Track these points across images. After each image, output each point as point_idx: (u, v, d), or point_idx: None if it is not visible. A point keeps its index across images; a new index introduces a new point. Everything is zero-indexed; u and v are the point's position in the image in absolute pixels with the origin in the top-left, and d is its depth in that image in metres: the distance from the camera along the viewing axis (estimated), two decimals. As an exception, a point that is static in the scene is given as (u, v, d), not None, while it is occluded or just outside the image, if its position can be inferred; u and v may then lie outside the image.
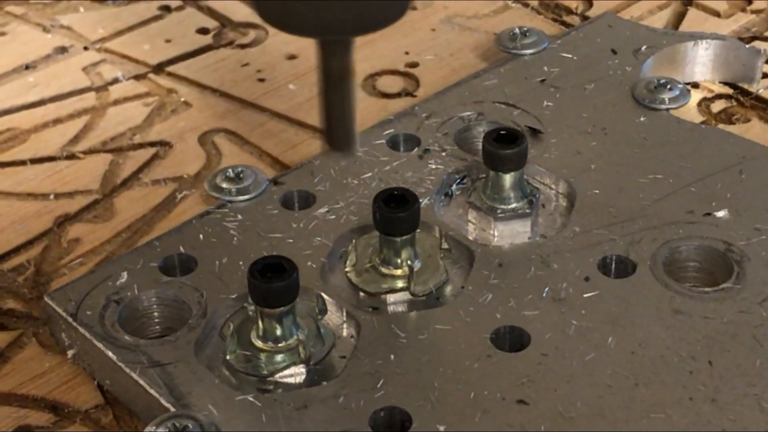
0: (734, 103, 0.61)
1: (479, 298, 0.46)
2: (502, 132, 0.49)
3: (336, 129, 0.41)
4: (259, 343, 0.44)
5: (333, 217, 0.50)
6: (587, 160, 0.53)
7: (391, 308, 0.47)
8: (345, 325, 0.46)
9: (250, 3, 0.37)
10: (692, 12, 0.68)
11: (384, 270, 0.47)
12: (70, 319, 0.46)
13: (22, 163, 0.57)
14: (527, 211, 0.50)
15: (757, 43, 0.64)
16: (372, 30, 0.37)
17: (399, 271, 0.47)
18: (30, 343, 0.48)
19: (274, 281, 0.42)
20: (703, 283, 0.48)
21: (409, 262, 0.47)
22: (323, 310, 0.45)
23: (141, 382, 0.43)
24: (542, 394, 0.42)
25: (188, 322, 0.45)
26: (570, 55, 0.60)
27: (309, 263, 0.48)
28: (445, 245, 0.48)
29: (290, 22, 0.36)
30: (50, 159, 0.57)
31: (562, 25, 0.67)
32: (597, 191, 0.51)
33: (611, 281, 0.47)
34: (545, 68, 0.59)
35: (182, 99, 0.61)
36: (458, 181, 0.52)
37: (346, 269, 0.48)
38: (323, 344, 0.44)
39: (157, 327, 0.47)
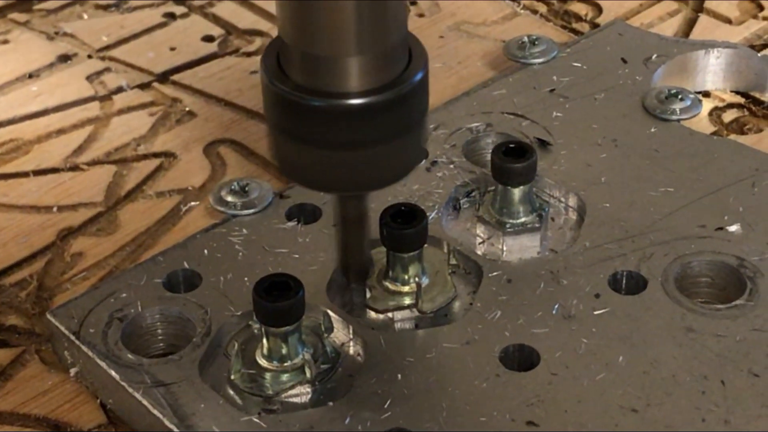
0: (746, 113, 0.60)
1: (488, 315, 0.45)
2: (511, 145, 0.49)
3: (351, 265, 0.44)
4: (264, 362, 0.43)
5: (339, 231, 0.49)
6: (597, 172, 0.52)
7: (398, 326, 0.46)
8: (352, 343, 0.45)
9: (270, 154, 0.41)
10: (703, 19, 0.67)
11: (391, 286, 0.46)
12: (72, 337, 0.45)
13: (25, 174, 0.56)
14: (536, 225, 0.49)
15: (769, 51, 0.63)
16: (385, 186, 0.41)
17: (406, 288, 0.46)
18: (32, 361, 0.47)
19: (279, 300, 0.42)
20: (715, 299, 0.47)
21: (416, 279, 0.46)
22: (329, 328, 0.45)
23: (144, 402, 0.42)
24: (552, 416, 0.41)
25: (192, 340, 0.45)
26: (580, 64, 0.59)
27: (315, 279, 0.47)
28: (453, 261, 0.47)
29: (308, 181, 0.40)
30: (53, 170, 0.57)
31: (571, 32, 0.66)
32: (607, 205, 0.50)
33: (622, 298, 0.46)
34: (555, 78, 0.58)
35: (187, 108, 0.61)
36: (466, 194, 0.52)
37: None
38: (329, 363, 0.44)
39: (161, 344, 0.46)
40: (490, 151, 0.49)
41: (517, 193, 0.49)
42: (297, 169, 0.40)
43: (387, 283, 0.46)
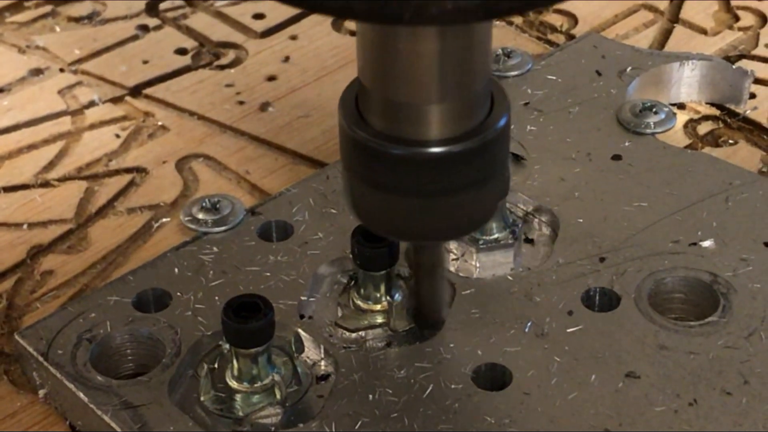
0: (721, 125, 0.60)
1: (460, 333, 0.45)
2: (483, 161, 0.48)
3: (425, 313, 0.44)
4: (234, 384, 0.43)
5: (312, 248, 0.49)
6: (571, 187, 0.52)
7: (370, 344, 0.45)
8: (323, 363, 0.45)
9: (349, 208, 0.41)
10: (678, 30, 0.67)
11: (363, 305, 0.46)
12: (41, 359, 0.44)
13: (-5, 191, 0.56)
14: (510, 241, 0.49)
15: (744, 62, 0.63)
16: (463, 235, 0.42)
17: (378, 306, 0.46)
18: (1, 382, 0.47)
19: (248, 321, 0.41)
20: (688, 315, 0.47)
21: (388, 297, 0.46)
22: (300, 348, 0.44)
23: (113, 424, 0.42)
24: (524, 436, 0.41)
25: (162, 361, 0.44)
26: (554, 77, 0.59)
27: (286, 298, 0.47)
28: (407, 270, 0.47)
29: (385, 229, 0.40)
30: (24, 187, 0.56)
31: (546, 43, 0.66)
32: (581, 220, 0.50)
33: (595, 315, 0.46)
34: (529, 91, 0.58)
35: (159, 123, 0.60)
36: (440, 209, 0.51)
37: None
38: (300, 384, 0.43)
39: (131, 365, 0.46)
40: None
41: (490, 209, 0.48)
42: (373, 216, 0.39)
43: (359, 302, 0.46)
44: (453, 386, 0.43)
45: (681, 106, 0.60)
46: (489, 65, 0.38)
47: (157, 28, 0.68)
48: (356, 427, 0.41)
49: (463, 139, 0.37)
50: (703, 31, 0.66)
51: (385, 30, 0.35)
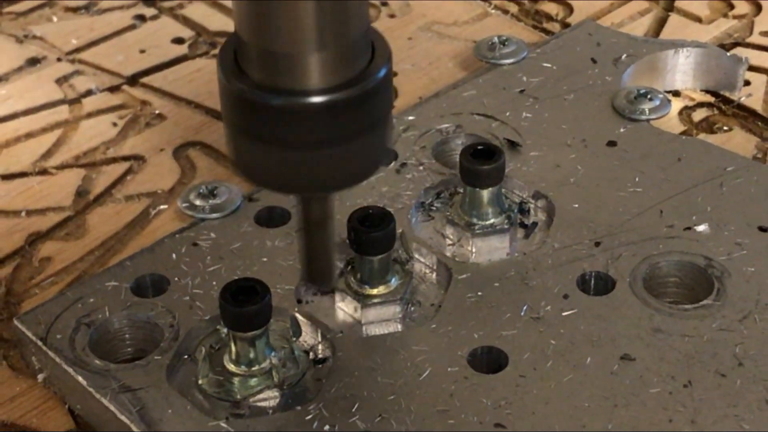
0: (716, 112, 0.60)
1: (456, 317, 0.45)
2: (479, 147, 0.49)
3: (314, 267, 0.42)
4: (232, 367, 0.43)
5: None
6: (566, 173, 0.52)
7: (366, 328, 0.46)
8: (320, 346, 0.45)
9: (229, 160, 0.40)
10: (674, 18, 0.67)
11: (360, 290, 0.46)
12: (39, 343, 0.45)
13: (-6, 179, 0.56)
14: (505, 226, 0.49)
15: (739, 50, 0.63)
16: (350, 186, 0.39)
17: (375, 290, 0.46)
18: (0, 366, 0.47)
19: (246, 305, 0.42)
20: (683, 298, 0.47)
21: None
22: (297, 332, 0.44)
23: (111, 407, 0.42)
24: (520, 418, 0.41)
25: (160, 345, 0.44)
26: (549, 65, 0.59)
27: (283, 283, 0.47)
28: (404, 254, 0.47)
29: (269, 182, 0.39)
30: (22, 175, 0.56)
31: (542, 32, 0.66)
32: (576, 205, 0.50)
33: (590, 299, 0.46)
34: (524, 78, 0.58)
35: (156, 111, 0.61)
36: (436, 195, 0.52)
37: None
38: (297, 367, 0.44)
39: (129, 349, 0.46)
40: (459, 153, 0.49)
41: (485, 194, 0.49)
42: (257, 170, 0.38)
43: (356, 287, 0.46)
44: (449, 369, 0.43)
45: (676, 93, 0.61)
46: (366, 12, 0.37)
47: (154, 17, 0.68)
48: (353, 410, 0.42)
49: (343, 88, 0.36)
50: (698, 19, 0.67)
51: None
